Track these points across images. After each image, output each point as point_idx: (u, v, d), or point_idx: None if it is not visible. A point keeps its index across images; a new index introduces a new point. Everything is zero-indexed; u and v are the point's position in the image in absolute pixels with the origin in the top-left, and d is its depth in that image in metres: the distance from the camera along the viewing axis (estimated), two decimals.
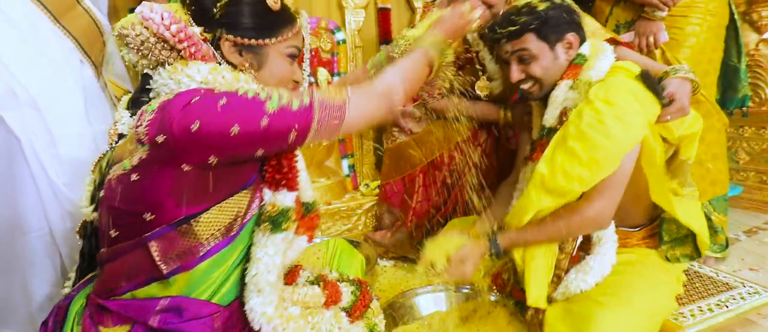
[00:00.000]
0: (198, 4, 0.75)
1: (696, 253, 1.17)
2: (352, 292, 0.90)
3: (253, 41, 0.77)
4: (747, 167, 2.19)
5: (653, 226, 1.18)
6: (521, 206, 1.05)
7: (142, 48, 0.73)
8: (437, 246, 1.10)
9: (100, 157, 0.83)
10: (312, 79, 2.01)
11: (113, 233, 0.73)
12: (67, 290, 0.88)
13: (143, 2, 0.73)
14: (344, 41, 2.18)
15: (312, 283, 0.89)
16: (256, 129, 0.67)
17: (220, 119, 0.66)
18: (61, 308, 0.81)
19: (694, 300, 1.29)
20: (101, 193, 0.77)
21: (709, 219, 1.56)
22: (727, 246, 1.63)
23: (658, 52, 1.57)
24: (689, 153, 1.11)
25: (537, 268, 1.04)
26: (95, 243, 0.84)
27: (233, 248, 0.76)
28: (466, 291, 1.35)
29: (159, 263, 0.71)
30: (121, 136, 0.81)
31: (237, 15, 0.75)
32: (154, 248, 0.70)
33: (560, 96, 1.06)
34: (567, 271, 1.06)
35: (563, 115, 1.05)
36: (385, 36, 2.31)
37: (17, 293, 1.21)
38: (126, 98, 0.85)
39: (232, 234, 0.75)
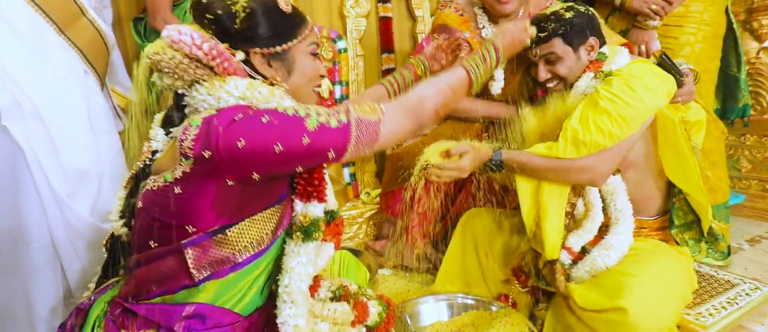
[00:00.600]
0: (218, 24, 0.77)
1: (700, 235, 1.31)
2: (378, 313, 0.91)
3: (278, 48, 0.79)
4: (749, 175, 2.18)
5: (665, 218, 1.26)
6: (542, 148, 1.14)
7: (176, 70, 0.74)
8: (435, 148, 1.15)
9: (133, 173, 0.85)
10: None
11: (152, 244, 0.75)
12: (87, 294, 0.90)
13: (168, 27, 0.74)
14: (346, 50, 2.19)
15: (336, 297, 0.91)
16: (298, 146, 0.70)
17: (264, 137, 0.69)
18: (80, 310, 0.82)
19: (705, 300, 1.30)
20: (138, 203, 0.79)
21: (709, 227, 1.56)
22: (728, 254, 1.62)
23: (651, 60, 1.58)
24: (698, 139, 1.25)
25: (551, 224, 1.13)
26: (118, 258, 0.86)
27: (263, 259, 0.79)
28: (469, 301, 1.34)
29: (193, 270, 0.73)
30: (154, 152, 0.84)
31: (257, 27, 0.78)
32: (190, 255, 0.73)
33: (582, 85, 1.19)
34: (589, 251, 1.15)
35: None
36: (386, 45, 2.33)
37: (18, 302, 1.21)
38: (159, 116, 0.87)
39: (264, 246, 0.79)
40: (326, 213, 0.90)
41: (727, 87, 1.76)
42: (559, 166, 1.11)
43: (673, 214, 1.26)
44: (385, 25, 2.31)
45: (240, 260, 0.76)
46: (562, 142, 1.10)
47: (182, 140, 0.71)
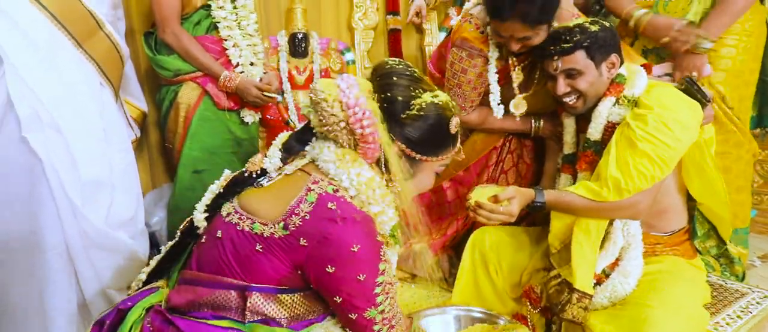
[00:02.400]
0: (389, 104, 0.77)
1: (722, 242, 1.40)
2: None
3: (419, 156, 0.80)
4: (761, 190, 2.15)
5: (682, 233, 1.25)
6: (583, 190, 1.13)
7: (327, 122, 0.75)
8: (482, 191, 1.18)
9: (234, 176, 0.86)
10: None
11: (215, 277, 0.77)
12: (142, 276, 0.92)
13: (349, 82, 0.75)
14: (353, 62, 2.22)
15: None
16: (350, 312, 0.76)
17: (341, 283, 0.73)
18: (120, 311, 0.82)
19: (719, 310, 1.30)
20: (217, 229, 0.79)
21: (726, 250, 1.55)
22: (743, 278, 1.58)
23: None
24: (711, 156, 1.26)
25: (583, 255, 1.12)
26: (188, 244, 0.88)
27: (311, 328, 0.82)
28: (476, 314, 1.34)
29: (247, 312, 0.75)
30: (263, 171, 0.84)
31: (418, 130, 0.78)
32: (253, 300, 0.75)
33: (604, 111, 1.17)
34: (608, 276, 1.15)
35: (608, 128, 1.16)
36: (394, 57, 2.35)
37: (33, 306, 1.24)
38: (282, 137, 0.87)
39: (317, 317, 0.82)
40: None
41: (764, 94, 1.66)
42: (602, 207, 1.12)
43: (695, 224, 1.30)
44: (393, 37, 2.34)
45: (292, 323, 0.78)
46: (604, 190, 1.10)
47: (293, 213, 0.73)
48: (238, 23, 1.64)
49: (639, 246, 1.15)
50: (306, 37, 2.03)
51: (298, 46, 2.02)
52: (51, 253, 1.22)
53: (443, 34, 2.33)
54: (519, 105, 1.43)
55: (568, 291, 1.12)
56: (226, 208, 0.81)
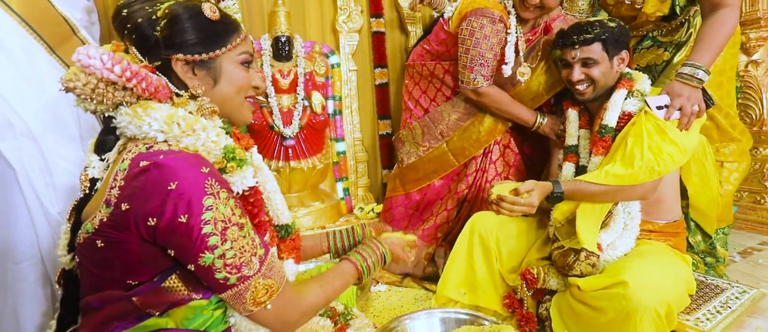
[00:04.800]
0: (138, 33, 0.73)
1: (707, 236, 1.55)
2: None
3: (203, 56, 0.75)
4: (741, 187, 2.18)
5: (675, 224, 1.35)
6: (603, 176, 1.23)
7: (94, 95, 0.70)
8: (502, 185, 1.26)
9: (74, 205, 0.80)
10: (306, 103, 2.03)
11: (97, 294, 0.72)
12: None
13: (78, 49, 0.70)
14: (338, 64, 2.21)
15: (323, 316, 0.90)
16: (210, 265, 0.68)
17: (184, 245, 0.66)
18: None
19: (700, 305, 1.34)
20: (78, 246, 0.74)
21: (713, 248, 1.61)
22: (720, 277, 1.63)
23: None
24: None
25: (588, 222, 1.23)
26: (74, 291, 0.81)
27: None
28: (462, 316, 1.34)
29: (148, 310, 0.71)
30: (93, 180, 0.80)
31: (181, 33, 0.73)
32: (139, 301, 0.70)
33: (619, 101, 1.29)
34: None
35: (622, 118, 1.28)
36: (379, 59, 2.35)
37: (8, 320, 1.20)
38: (92, 141, 0.82)
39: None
40: (280, 227, 0.90)
41: None
42: (618, 191, 1.21)
43: (688, 219, 1.41)
44: (378, 39, 2.34)
45: (196, 297, 0.72)
46: (640, 173, 1.19)
47: (111, 187, 0.68)
48: None
49: (636, 229, 1.26)
50: (289, 41, 2.01)
51: (281, 50, 2.00)
52: (25, 264, 1.19)
53: None
54: (525, 72, 1.54)
55: (574, 254, 1.22)
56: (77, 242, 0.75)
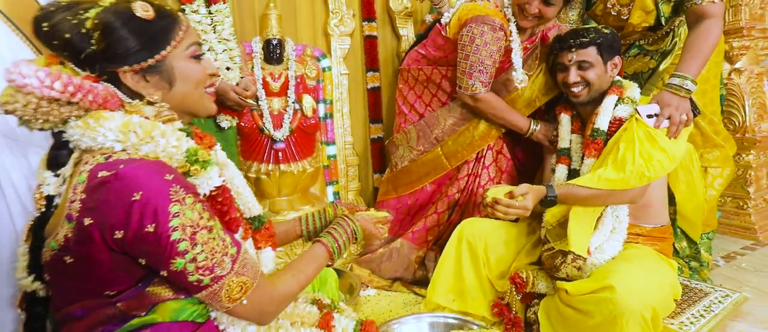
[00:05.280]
0: (70, 49, 0.67)
1: (692, 242, 1.63)
2: (353, 328, 0.88)
3: (150, 61, 0.70)
4: (725, 193, 2.23)
5: (662, 229, 1.38)
6: (595, 180, 1.26)
7: (38, 115, 0.65)
8: (497, 189, 1.29)
9: (30, 225, 0.76)
10: (297, 106, 2.03)
11: (79, 304, 0.69)
12: None
13: (7, 68, 0.64)
14: (330, 68, 2.21)
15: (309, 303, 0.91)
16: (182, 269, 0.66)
17: (154, 253, 0.65)
18: None
19: (684, 309, 1.37)
20: (45, 263, 0.71)
21: (698, 252, 1.65)
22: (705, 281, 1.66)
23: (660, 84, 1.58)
24: None
25: (580, 224, 1.26)
26: (41, 313, 0.78)
27: None
28: (452, 320, 1.35)
29: (134, 312, 0.70)
30: (49, 198, 0.75)
31: (118, 43, 0.68)
32: (124, 306, 0.69)
33: (610, 105, 1.34)
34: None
35: (613, 122, 1.32)
36: (371, 63, 2.35)
37: None
38: (44, 157, 0.76)
39: None
40: (252, 219, 0.89)
41: None
42: (610, 194, 1.24)
43: (675, 226, 1.43)
44: (370, 43, 2.34)
45: (180, 297, 0.72)
46: (632, 178, 1.22)
47: (71, 201, 0.64)
48: (214, 27, 1.61)
49: (623, 232, 1.29)
50: (281, 43, 2.01)
51: (272, 53, 1.99)
52: (7, 268, 1.16)
53: None
54: (522, 79, 1.57)
55: (562, 256, 1.24)
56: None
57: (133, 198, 0.62)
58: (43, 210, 0.74)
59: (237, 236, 0.79)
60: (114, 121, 0.68)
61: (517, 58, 1.55)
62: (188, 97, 0.77)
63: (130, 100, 0.71)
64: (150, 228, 0.63)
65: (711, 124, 1.67)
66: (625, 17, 1.59)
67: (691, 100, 1.32)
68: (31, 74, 0.63)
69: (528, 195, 1.23)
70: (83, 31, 0.66)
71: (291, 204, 2.00)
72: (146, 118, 0.71)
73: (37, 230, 0.74)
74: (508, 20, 1.56)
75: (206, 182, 0.74)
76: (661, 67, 1.64)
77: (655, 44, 1.66)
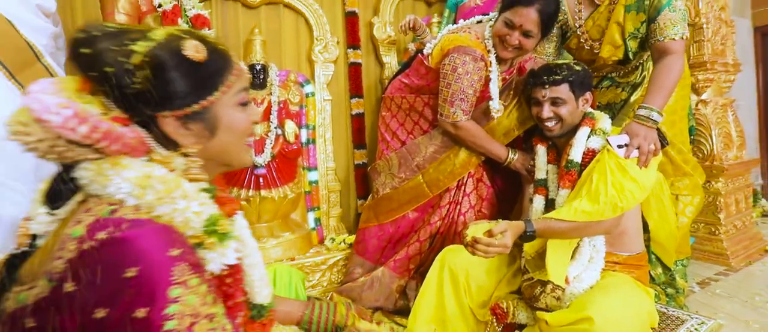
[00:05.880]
0: (110, 84, 0.59)
1: (667, 268, 1.66)
2: None
3: (195, 107, 0.63)
4: (697, 219, 2.31)
5: (638, 257, 1.41)
6: (571, 213, 1.28)
7: (52, 152, 0.57)
8: (477, 227, 1.28)
9: (3, 260, 0.65)
10: (279, 131, 2.02)
11: None
12: None
13: (32, 92, 0.55)
14: (313, 94, 2.22)
15: None
16: None
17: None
18: None
19: None
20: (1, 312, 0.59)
21: (673, 279, 1.68)
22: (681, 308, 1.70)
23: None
24: None
25: (558, 254, 1.28)
26: None
27: None
28: None
29: None
30: (34, 237, 0.65)
31: (165, 85, 0.60)
32: None
33: (583, 138, 1.39)
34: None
35: (587, 154, 1.37)
36: (355, 90, 2.37)
37: None
38: (43, 188, 0.65)
39: None
40: (253, 306, 0.78)
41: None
42: (586, 226, 1.28)
43: (650, 251, 1.46)
44: (354, 70, 2.37)
45: None
46: (606, 209, 1.26)
47: (57, 257, 0.54)
48: None
49: (601, 261, 1.32)
50: (264, 68, 2.01)
51: (256, 78, 1.99)
52: None
53: None
54: (498, 108, 1.61)
55: (541, 285, 1.26)
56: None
57: (127, 275, 0.51)
58: (25, 248, 0.63)
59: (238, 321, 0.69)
60: (132, 171, 0.59)
61: (494, 87, 1.59)
62: (229, 148, 0.69)
63: (161, 149, 0.63)
64: (141, 313, 0.51)
65: (680, 153, 1.73)
66: (596, 51, 1.66)
67: (659, 130, 1.39)
68: (55, 110, 0.55)
69: (507, 232, 1.24)
70: (128, 66, 0.59)
71: (271, 231, 1.97)
72: (172, 171, 0.63)
73: (10, 267, 0.63)
74: (489, 51, 1.61)
75: (219, 258, 0.64)
76: (632, 98, 1.71)
77: (625, 77, 1.74)
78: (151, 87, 0.60)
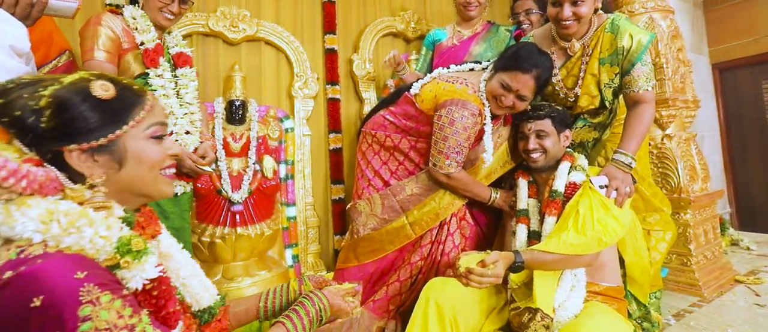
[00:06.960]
0: (18, 126, 0.62)
1: (641, 304, 1.69)
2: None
3: (101, 140, 0.66)
4: (669, 251, 2.36)
5: (617, 290, 1.46)
6: (559, 245, 1.34)
7: None
8: (468, 258, 1.32)
9: None
10: (257, 167, 2.00)
11: None
12: None
13: None
14: (292, 129, 2.23)
15: None
16: None
17: None
18: None
19: None
20: None
21: (648, 312, 1.71)
22: None
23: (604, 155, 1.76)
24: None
25: (544, 283, 1.33)
26: None
27: None
28: None
29: None
30: None
31: (70, 122, 0.64)
32: None
33: (564, 171, 1.50)
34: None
35: (569, 186, 1.46)
36: (334, 125, 2.40)
37: None
38: None
39: None
40: (201, 312, 0.83)
41: None
42: (571, 258, 1.34)
43: (626, 286, 1.49)
44: (333, 106, 2.40)
45: None
46: (592, 243, 1.33)
47: None
48: (177, 92, 1.59)
49: (582, 290, 1.37)
50: (244, 104, 2.02)
51: (235, 113, 1.99)
52: None
53: None
54: (490, 160, 1.65)
55: (529, 313, 1.29)
56: None
57: (32, 305, 0.53)
58: None
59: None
60: (36, 209, 0.61)
61: (488, 140, 1.61)
62: (140, 180, 0.72)
63: (72, 185, 0.66)
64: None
65: (650, 186, 1.81)
66: (571, 99, 1.75)
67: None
68: None
69: (499, 262, 1.28)
70: (35, 107, 0.62)
71: (247, 270, 1.91)
72: (81, 204, 0.65)
73: None
74: (483, 104, 1.63)
75: (139, 274, 0.66)
76: (603, 137, 1.80)
77: (596, 117, 1.84)
78: (57, 124, 0.63)
